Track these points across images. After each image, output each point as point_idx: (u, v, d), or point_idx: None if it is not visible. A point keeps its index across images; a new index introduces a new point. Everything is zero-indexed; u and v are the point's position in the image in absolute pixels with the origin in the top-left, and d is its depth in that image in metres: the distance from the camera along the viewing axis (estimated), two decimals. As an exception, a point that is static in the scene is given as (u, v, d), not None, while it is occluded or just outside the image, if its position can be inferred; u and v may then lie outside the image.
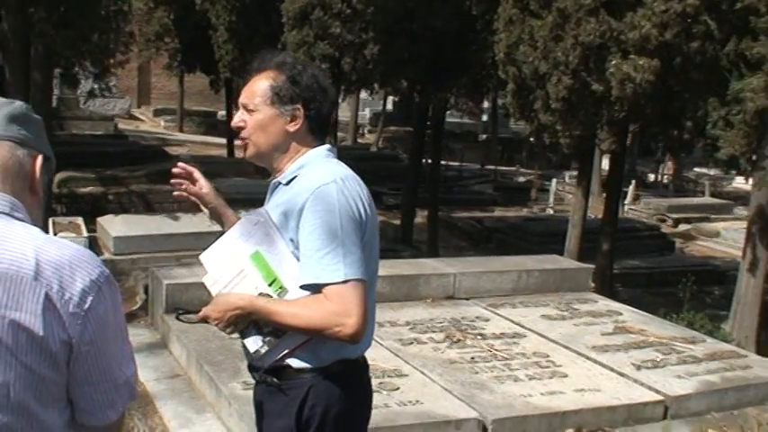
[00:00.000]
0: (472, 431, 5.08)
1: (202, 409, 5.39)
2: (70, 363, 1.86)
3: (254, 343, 2.71)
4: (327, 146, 2.84)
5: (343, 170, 2.71)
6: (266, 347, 2.69)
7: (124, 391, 1.98)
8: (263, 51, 2.96)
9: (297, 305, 2.62)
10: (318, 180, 2.63)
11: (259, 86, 2.79)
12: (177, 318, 3.02)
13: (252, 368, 2.86)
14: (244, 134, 2.81)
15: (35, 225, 1.94)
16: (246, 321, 2.70)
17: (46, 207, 2.17)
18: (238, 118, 2.83)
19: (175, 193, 3.12)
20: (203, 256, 2.87)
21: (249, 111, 2.79)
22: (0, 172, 1.92)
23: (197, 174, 3.10)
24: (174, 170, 3.09)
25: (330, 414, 2.70)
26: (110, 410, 1.95)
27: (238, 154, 24.92)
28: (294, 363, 2.71)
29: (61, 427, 1.90)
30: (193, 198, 3.11)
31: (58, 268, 1.82)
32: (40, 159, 2.01)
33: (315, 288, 2.59)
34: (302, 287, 2.61)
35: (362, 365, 2.87)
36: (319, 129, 2.84)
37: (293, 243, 2.65)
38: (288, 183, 2.75)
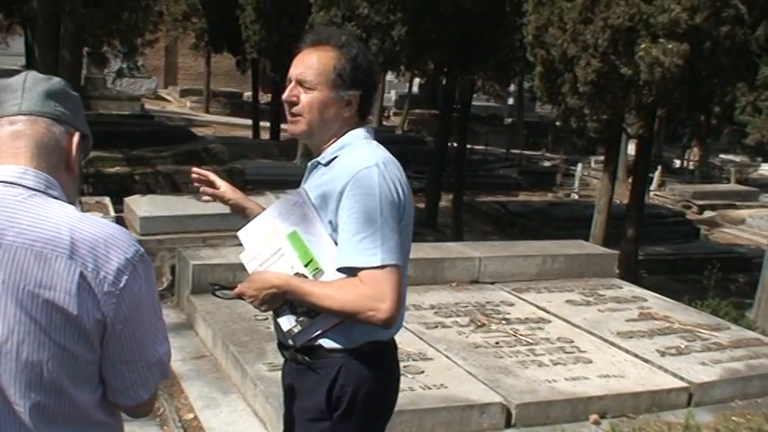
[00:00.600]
0: (496, 415, 5.09)
1: (228, 390, 5.42)
2: (104, 342, 1.87)
3: (288, 322, 2.71)
4: (366, 127, 2.82)
5: (382, 153, 2.70)
6: (299, 327, 2.70)
7: (156, 369, 1.99)
8: (317, 27, 2.95)
9: (332, 287, 2.61)
10: (360, 163, 2.61)
11: (320, 63, 2.71)
12: (213, 293, 3.01)
13: (282, 346, 2.87)
14: (296, 110, 2.74)
15: (70, 203, 1.94)
16: (281, 300, 2.69)
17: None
18: (291, 92, 2.75)
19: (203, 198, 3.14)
20: (241, 233, 2.86)
21: (306, 88, 2.72)
22: (36, 148, 1.92)
23: (212, 176, 3.10)
24: (193, 176, 3.11)
25: (360, 394, 2.70)
26: (142, 389, 1.97)
27: (264, 136, 25.01)
28: (326, 343, 2.71)
29: (93, 406, 1.92)
30: (214, 198, 3.11)
31: (93, 247, 1.83)
32: (76, 137, 2.01)
33: (351, 272, 2.58)
34: (339, 270, 2.61)
35: (392, 347, 2.87)
36: (367, 112, 2.84)
37: (331, 225, 2.64)
38: (327, 163, 2.74)
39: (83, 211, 2.11)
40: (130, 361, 1.92)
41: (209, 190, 3.09)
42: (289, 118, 2.78)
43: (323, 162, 2.75)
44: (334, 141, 2.76)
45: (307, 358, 2.74)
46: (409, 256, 2.83)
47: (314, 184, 2.75)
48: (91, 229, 1.85)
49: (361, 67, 2.73)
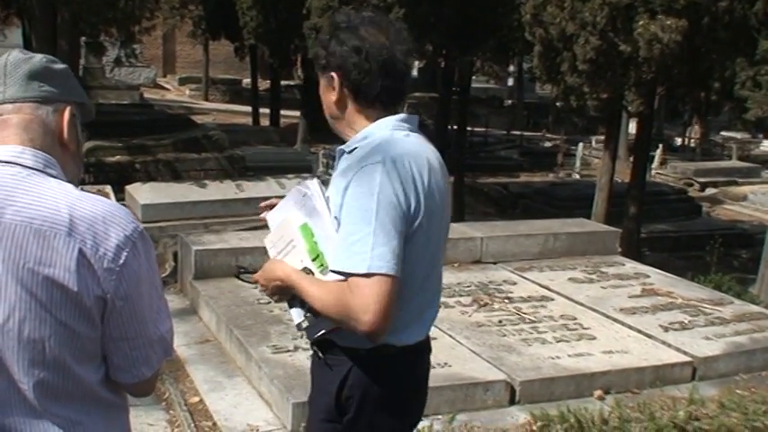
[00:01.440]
0: (500, 393, 5.11)
1: (233, 374, 5.44)
2: (104, 318, 1.87)
3: (297, 315, 2.63)
4: (400, 115, 2.60)
5: (401, 147, 2.49)
6: (307, 322, 2.61)
7: (159, 347, 1.99)
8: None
9: (323, 290, 2.44)
10: (368, 158, 2.44)
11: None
12: (237, 276, 2.99)
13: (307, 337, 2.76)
14: None
15: (70, 181, 1.94)
16: (288, 293, 2.60)
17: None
18: None
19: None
20: (269, 216, 2.79)
21: None
22: (24, 133, 1.91)
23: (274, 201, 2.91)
24: (261, 206, 2.91)
25: (369, 397, 2.59)
26: (144, 367, 1.96)
27: (264, 122, 25.01)
28: (338, 340, 2.59)
29: (97, 383, 1.92)
30: None
31: (91, 224, 1.83)
32: (67, 113, 1.99)
33: (341, 275, 2.39)
34: (332, 271, 2.44)
35: (413, 351, 2.65)
36: (381, 100, 2.58)
37: (337, 221, 2.47)
38: (350, 152, 2.56)
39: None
40: (132, 338, 1.92)
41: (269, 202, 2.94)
42: None
43: (347, 150, 2.58)
44: (357, 130, 2.59)
45: (320, 354, 2.68)
46: (438, 255, 2.66)
47: (337, 171, 2.60)
48: (90, 207, 1.85)
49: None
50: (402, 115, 2.61)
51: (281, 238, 2.66)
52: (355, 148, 2.54)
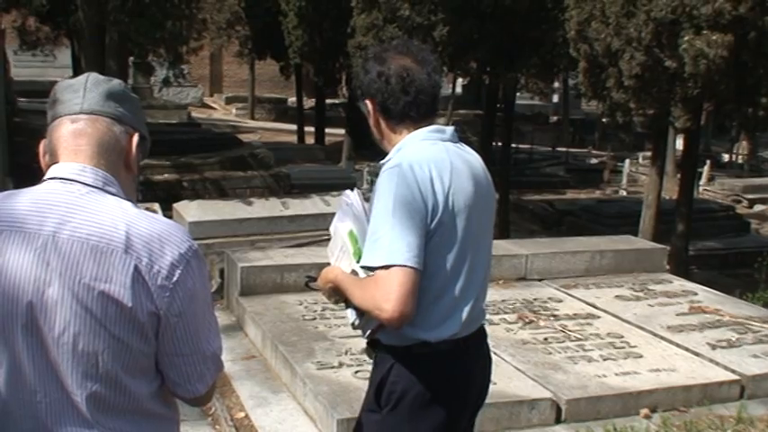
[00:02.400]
0: (546, 411, 5.07)
1: (278, 390, 5.46)
2: (159, 334, 1.92)
3: (351, 315, 2.84)
4: (432, 127, 2.83)
5: (422, 154, 2.71)
6: (359, 321, 2.81)
7: (212, 363, 2.04)
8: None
9: (357, 285, 2.71)
10: (389, 165, 2.68)
11: None
12: (306, 284, 3.18)
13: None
14: None
15: (129, 200, 1.99)
16: (341, 294, 2.82)
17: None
18: None
19: None
20: (331, 227, 2.99)
21: None
22: (97, 146, 1.98)
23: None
24: None
25: (409, 394, 2.74)
26: (199, 383, 2.02)
27: (309, 140, 25.16)
28: (382, 338, 2.81)
29: (148, 397, 1.97)
30: None
31: (147, 242, 1.88)
32: (136, 137, 2.06)
33: (369, 270, 2.65)
34: (362, 268, 2.70)
35: (458, 347, 2.81)
36: (410, 115, 2.80)
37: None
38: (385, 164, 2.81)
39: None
40: (186, 354, 1.97)
41: None
42: None
43: (384, 163, 2.79)
44: (389, 145, 2.86)
45: (369, 352, 2.95)
46: (478, 256, 2.83)
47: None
48: (147, 225, 1.90)
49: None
50: (434, 126, 2.83)
51: (336, 245, 2.90)
52: (389, 159, 2.76)
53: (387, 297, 2.54)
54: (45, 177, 1.98)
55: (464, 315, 2.79)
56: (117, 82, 2.08)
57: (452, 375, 2.82)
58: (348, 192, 2.90)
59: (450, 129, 2.88)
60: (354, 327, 2.86)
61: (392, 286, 2.54)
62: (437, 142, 2.78)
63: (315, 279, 3.05)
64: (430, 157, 2.69)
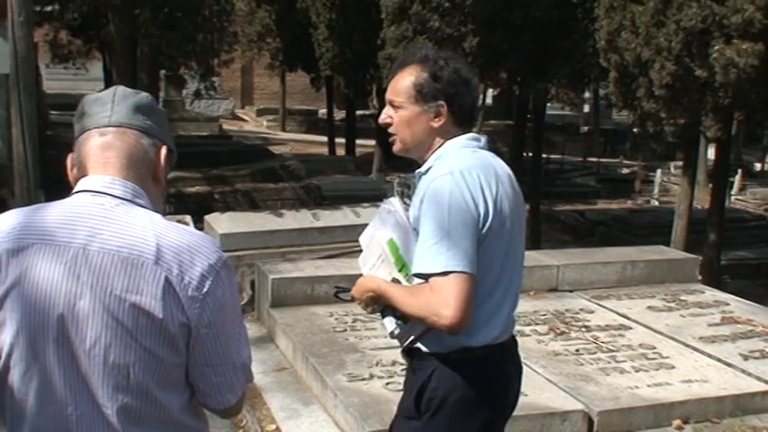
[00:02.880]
0: (578, 423, 5.05)
1: (309, 401, 5.48)
2: (189, 345, 1.93)
3: (390, 324, 2.84)
4: (469, 135, 2.91)
5: (469, 161, 2.77)
6: (399, 329, 2.83)
7: (241, 373, 2.04)
8: (407, 48, 3.07)
9: (408, 293, 2.73)
10: (437, 172, 2.72)
11: (403, 83, 2.87)
12: (335, 295, 3.20)
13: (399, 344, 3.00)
14: (392, 130, 2.92)
15: (157, 212, 2.01)
16: (381, 303, 2.85)
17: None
18: (385, 114, 2.93)
19: None
20: (361, 237, 3.02)
21: (395, 107, 2.89)
22: (125, 158, 2.00)
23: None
24: None
25: (450, 399, 2.78)
26: (229, 393, 2.02)
27: (339, 152, 25.22)
28: (422, 346, 2.84)
29: (179, 409, 1.98)
30: None
31: (177, 253, 1.89)
32: (164, 150, 2.08)
33: (423, 277, 2.66)
34: (414, 275, 2.72)
35: (496, 354, 2.86)
36: (464, 120, 2.91)
37: (416, 232, 2.74)
38: (426, 172, 2.84)
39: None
40: (216, 364, 1.97)
41: None
42: (390, 138, 2.96)
43: (423, 171, 2.87)
44: (434, 152, 2.88)
45: (407, 359, 2.95)
46: (516, 262, 2.90)
47: (417, 192, 2.85)
48: (177, 236, 1.92)
49: (441, 77, 2.83)
50: (471, 134, 2.91)
51: (371, 254, 2.92)
52: (430, 167, 2.82)
53: (445, 303, 2.59)
54: (74, 190, 2.00)
55: (503, 320, 2.85)
56: (145, 95, 2.10)
57: (492, 380, 2.87)
58: (391, 199, 2.94)
59: (483, 137, 2.96)
60: (393, 336, 2.87)
61: (451, 292, 2.59)
62: (477, 150, 2.86)
63: (345, 290, 3.07)
64: (477, 164, 2.77)
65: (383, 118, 2.94)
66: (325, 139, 26.90)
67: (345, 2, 19.41)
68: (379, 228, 2.90)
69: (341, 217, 12.08)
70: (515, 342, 3.02)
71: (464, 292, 2.61)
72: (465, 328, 2.66)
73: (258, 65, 30.94)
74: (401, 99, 2.86)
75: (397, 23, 14.48)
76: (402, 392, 3.09)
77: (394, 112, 2.90)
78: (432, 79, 2.83)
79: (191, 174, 14.74)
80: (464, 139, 2.87)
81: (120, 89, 2.08)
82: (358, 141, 25.69)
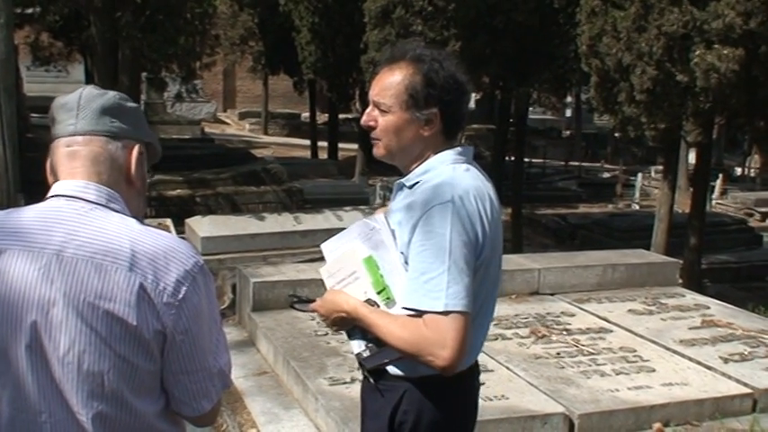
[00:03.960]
0: (558, 426, 5.06)
1: (290, 406, 5.46)
2: (164, 352, 1.90)
3: (358, 346, 2.68)
4: (459, 148, 2.67)
5: (465, 183, 2.55)
6: (368, 352, 2.66)
7: (218, 380, 2.01)
8: (397, 43, 2.82)
9: (396, 324, 2.50)
10: (436, 197, 2.48)
11: (392, 83, 2.60)
12: (291, 305, 3.05)
13: (360, 363, 2.79)
14: (375, 134, 2.66)
15: (134, 216, 1.98)
16: (350, 324, 2.66)
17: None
18: (369, 116, 2.66)
19: None
20: (324, 246, 2.82)
21: (382, 110, 2.62)
22: (92, 166, 1.96)
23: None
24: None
25: (422, 422, 2.63)
26: (204, 400, 1.99)
27: (322, 155, 25.23)
28: (392, 369, 2.65)
29: (154, 415, 1.95)
30: None
31: (152, 259, 1.86)
32: (136, 150, 2.03)
33: (416, 312, 2.46)
34: (404, 308, 2.50)
35: (467, 376, 2.71)
36: (454, 129, 2.68)
37: (403, 256, 2.54)
38: (411, 186, 2.62)
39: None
40: (191, 371, 1.95)
41: None
42: (372, 140, 2.72)
43: (407, 184, 2.64)
44: (420, 163, 2.65)
45: (372, 380, 2.72)
46: (498, 280, 2.72)
47: (397, 205, 2.65)
48: (151, 242, 1.89)
49: (436, 83, 2.57)
50: (460, 148, 2.68)
51: (342, 269, 2.69)
52: (416, 182, 2.60)
53: (443, 343, 2.42)
54: (48, 194, 1.97)
55: (479, 343, 2.73)
56: (112, 95, 2.04)
57: (463, 400, 2.75)
58: (377, 216, 2.70)
59: (470, 150, 2.73)
60: (361, 358, 2.69)
61: (450, 332, 2.42)
62: (469, 168, 2.65)
63: (303, 301, 2.93)
64: (472, 187, 2.55)
65: (366, 120, 2.66)
66: (307, 142, 26.92)
67: (328, 5, 19.42)
68: (356, 242, 2.68)
69: (323, 220, 12.09)
70: (478, 367, 2.86)
71: (462, 332, 2.43)
72: (459, 367, 2.51)
73: (241, 68, 30.92)
74: (389, 102, 2.59)
75: (380, 27, 14.49)
76: (362, 414, 2.90)
77: (380, 115, 2.63)
78: (425, 84, 2.57)
79: (172, 177, 14.70)
80: (453, 154, 2.64)
81: (87, 91, 2.03)
82: (340, 145, 25.71)
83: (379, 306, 2.57)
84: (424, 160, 2.65)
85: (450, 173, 2.58)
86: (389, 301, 2.56)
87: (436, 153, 2.64)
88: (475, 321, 2.59)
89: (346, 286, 2.66)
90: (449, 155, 2.64)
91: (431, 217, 2.45)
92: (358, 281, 2.63)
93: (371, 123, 2.66)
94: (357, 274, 2.63)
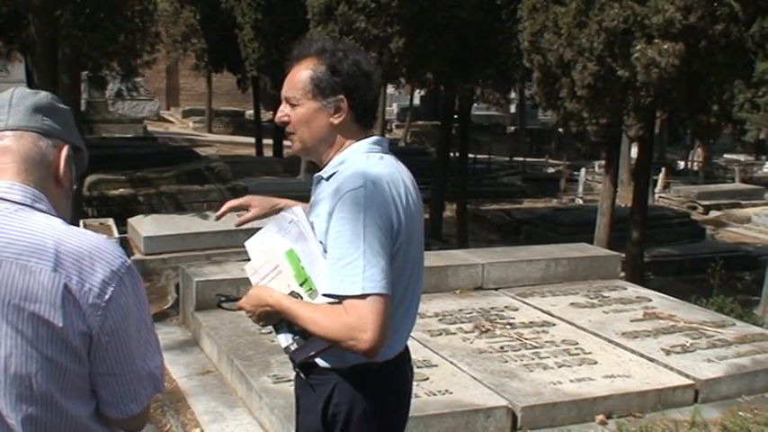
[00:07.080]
0: (502, 419, 5.10)
1: (234, 404, 5.44)
2: (91, 354, 1.86)
3: (285, 339, 2.69)
4: (373, 138, 2.73)
5: (378, 170, 2.59)
6: (296, 345, 2.67)
7: (148, 383, 1.98)
8: (303, 39, 2.80)
9: (318, 312, 2.53)
10: (348, 184, 2.53)
11: (300, 78, 2.67)
12: (219, 305, 3.06)
13: (291, 359, 2.82)
14: (289, 129, 2.71)
15: (60, 216, 1.94)
16: (276, 318, 2.67)
17: (76, 206, 2.15)
18: (282, 112, 2.72)
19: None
20: (248, 243, 2.84)
21: (291, 104, 2.69)
22: (22, 163, 1.93)
23: (233, 203, 3.11)
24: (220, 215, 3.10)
25: (355, 413, 2.66)
26: (133, 403, 1.95)
27: (267, 153, 25.12)
28: (320, 362, 2.68)
29: (87, 417, 1.92)
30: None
31: (77, 259, 1.83)
32: (65, 150, 2.01)
33: (335, 298, 2.50)
34: (324, 295, 2.54)
35: (394, 364, 2.74)
36: (365, 117, 2.73)
37: (322, 245, 2.58)
38: (328, 178, 2.66)
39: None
40: (119, 374, 1.91)
41: (245, 218, 3.09)
42: (289, 137, 2.77)
43: (324, 176, 2.69)
44: (336, 153, 2.70)
45: (303, 375, 2.75)
46: (419, 270, 2.78)
47: (316, 198, 2.70)
48: (76, 242, 1.85)
49: (341, 71, 2.64)
50: (374, 138, 2.75)
51: (265, 264, 2.72)
52: (333, 173, 2.65)
53: (364, 327, 2.44)
54: None
55: (406, 331, 2.77)
56: (44, 94, 2.03)
57: (393, 388, 2.78)
58: (295, 209, 2.74)
59: (385, 140, 2.80)
60: (288, 351, 2.71)
61: (369, 315, 2.44)
62: (383, 156, 2.70)
63: (230, 299, 2.93)
64: (386, 175, 2.60)
65: (279, 116, 2.72)
66: (252, 140, 26.75)
67: (271, 2, 19.33)
68: (275, 236, 2.72)
69: (268, 219, 12.01)
70: (409, 355, 2.89)
71: (382, 315, 2.46)
72: (382, 350, 2.52)
73: (183, 66, 30.68)
74: (298, 95, 2.66)
75: (324, 24, 14.44)
76: (296, 410, 2.92)
77: (291, 110, 2.69)
78: (330, 72, 2.63)
79: (114, 176, 14.53)
80: (368, 144, 2.70)
81: (19, 90, 2.02)
82: (285, 143, 25.56)
83: (302, 298, 2.60)
84: (340, 150, 2.70)
85: (364, 161, 2.64)
86: (312, 291, 2.59)
87: (352, 143, 2.70)
88: (400, 309, 2.66)
89: (270, 281, 2.69)
90: (363, 144, 2.70)
91: (344, 204, 2.50)
92: (281, 275, 2.66)
93: (285, 119, 2.72)
94: (280, 268, 2.67)
